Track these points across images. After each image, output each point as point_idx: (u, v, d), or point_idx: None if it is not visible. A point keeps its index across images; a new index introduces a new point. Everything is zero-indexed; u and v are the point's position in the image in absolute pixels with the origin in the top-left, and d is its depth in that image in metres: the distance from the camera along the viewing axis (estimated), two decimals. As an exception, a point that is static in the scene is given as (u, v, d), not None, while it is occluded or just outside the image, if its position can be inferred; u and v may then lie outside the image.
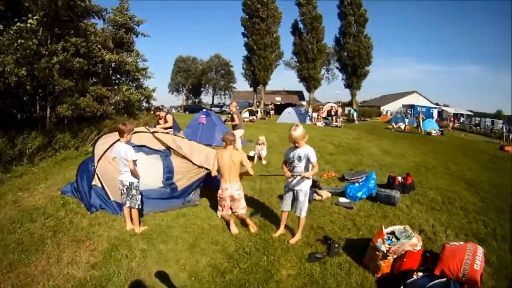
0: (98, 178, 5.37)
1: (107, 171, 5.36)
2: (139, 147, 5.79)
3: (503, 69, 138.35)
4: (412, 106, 46.22)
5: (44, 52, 8.68)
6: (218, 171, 4.49)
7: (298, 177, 4.03)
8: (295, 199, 4.20)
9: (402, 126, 26.56)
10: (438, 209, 5.77)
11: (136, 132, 6.32)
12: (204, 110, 21.67)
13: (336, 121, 27.76)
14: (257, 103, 39.95)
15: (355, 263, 3.67)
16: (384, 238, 3.50)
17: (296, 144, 3.98)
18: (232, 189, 4.38)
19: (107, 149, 5.53)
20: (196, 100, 64.41)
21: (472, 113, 47.56)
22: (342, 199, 5.93)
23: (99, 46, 11.65)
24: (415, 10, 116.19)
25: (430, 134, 22.03)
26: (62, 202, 5.51)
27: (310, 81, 39.89)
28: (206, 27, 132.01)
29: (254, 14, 36.53)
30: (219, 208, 4.51)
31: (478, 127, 33.16)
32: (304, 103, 47.55)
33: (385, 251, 3.39)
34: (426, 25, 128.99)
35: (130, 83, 15.93)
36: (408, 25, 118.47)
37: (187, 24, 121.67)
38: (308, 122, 26.96)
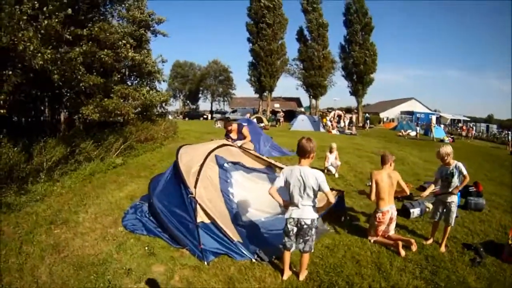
0: (205, 212, 3.67)
1: (207, 201, 3.69)
2: (235, 165, 4.19)
3: (487, 72, 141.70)
4: (411, 113, 46.13)
5: (68, 37, 6.82)
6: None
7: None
8: (445, 210, 4.37)
9: (412, 134, 26.38)
10: (511, 211, 6.19)
11: (223, 145, 4.74)
12: (244, 118, 19.26)
13: (350, 129, 26.75)
14: (263, 110, 38.65)
15: (499, 261, 4.02)
16: None
17: (447, 161, 4.32)
18: (392, 211, 4.32)
19: (201, 169, 3.91)
20: (194, 107, 62.40)
21: (468, 119, 47.86)
22: None
23: (124, 41, 9.84)
24: (395, 14, 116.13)
25: (443, 141, 22.24)
26: (145, 247, 3.66)
27: (317, 88, 38.99)
28: (203, 31, 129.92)
29: (260, 20, 35.62)
30: (372, 232, 4.40)
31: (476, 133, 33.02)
32: (302, 109, 46.68)
33: None
34: (408, 30, 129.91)
35: (147, 85, 14.07)
36: (391, 31, 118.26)
37: (183, 28, 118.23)
38: (322, 130, 25.67)
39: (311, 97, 41.17)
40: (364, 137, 22.14)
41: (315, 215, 3.25)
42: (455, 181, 4.28)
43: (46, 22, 5.73)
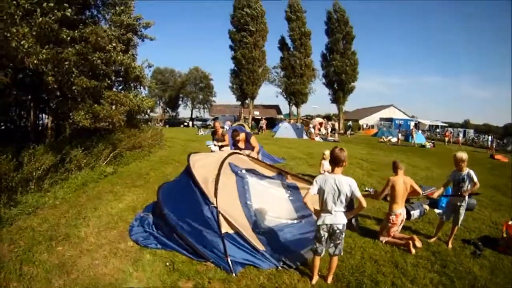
0: (228, 222, 3.59)
1: (228, 211, 3.56)
2: (249, 171, 4.10)
3: (463, 79, 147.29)
4: (390, 120, 47.54)
5: (65, 36, 6.45)
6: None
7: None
8: (454, 213, 4.73)
9: (393, 140, 26.92)
10: (498, 209, 6.92)
11: (233, 153, 4.64)
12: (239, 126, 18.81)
13: (332, 136, 27.42)
14: (244, 117, 38.54)
15: (496, 252, 4.55)
16: None
17: (461, 167, 4.59)
18: (403, 213, 4.63)
19: (218, 177, 3.79)
20: (174, 114, 61.33)
21: (446, 125, 49.84)
22: (437, 210, 6.39)
23: (114, 44, 9.48)
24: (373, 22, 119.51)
25: (425, 146, 23.16)
26: (166, 263, 3.44)
27: (298, 96, 39.34)
28: (184, 38, 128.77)
29: (243, 27, 35.69)
30: (384, 233, 4.65)
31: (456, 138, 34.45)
32: (282, 116, 47.06)
33: None
34: (386, 36, 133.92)
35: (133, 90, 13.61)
36: (369, 39, 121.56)
37: (165, 34, 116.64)
38: (305, 137, 25.91)
39: (293, 104, 41.40)
40: (347, 144, 22.46)
41: (345, 220, 3.32)
42: (466, 186, 4.60)
43: (41, 19, 5.38)
